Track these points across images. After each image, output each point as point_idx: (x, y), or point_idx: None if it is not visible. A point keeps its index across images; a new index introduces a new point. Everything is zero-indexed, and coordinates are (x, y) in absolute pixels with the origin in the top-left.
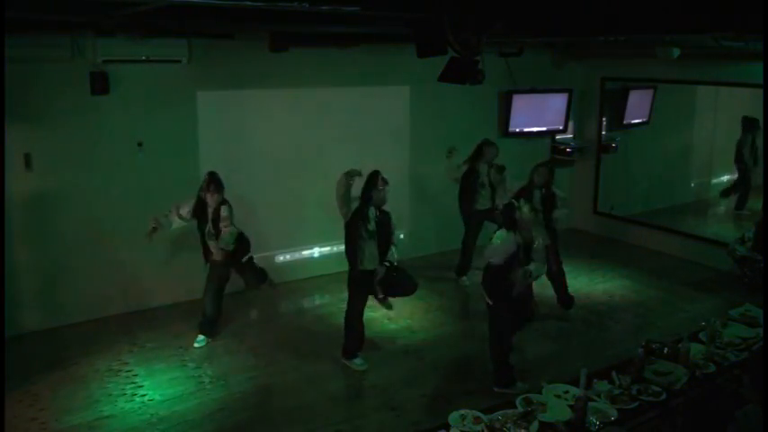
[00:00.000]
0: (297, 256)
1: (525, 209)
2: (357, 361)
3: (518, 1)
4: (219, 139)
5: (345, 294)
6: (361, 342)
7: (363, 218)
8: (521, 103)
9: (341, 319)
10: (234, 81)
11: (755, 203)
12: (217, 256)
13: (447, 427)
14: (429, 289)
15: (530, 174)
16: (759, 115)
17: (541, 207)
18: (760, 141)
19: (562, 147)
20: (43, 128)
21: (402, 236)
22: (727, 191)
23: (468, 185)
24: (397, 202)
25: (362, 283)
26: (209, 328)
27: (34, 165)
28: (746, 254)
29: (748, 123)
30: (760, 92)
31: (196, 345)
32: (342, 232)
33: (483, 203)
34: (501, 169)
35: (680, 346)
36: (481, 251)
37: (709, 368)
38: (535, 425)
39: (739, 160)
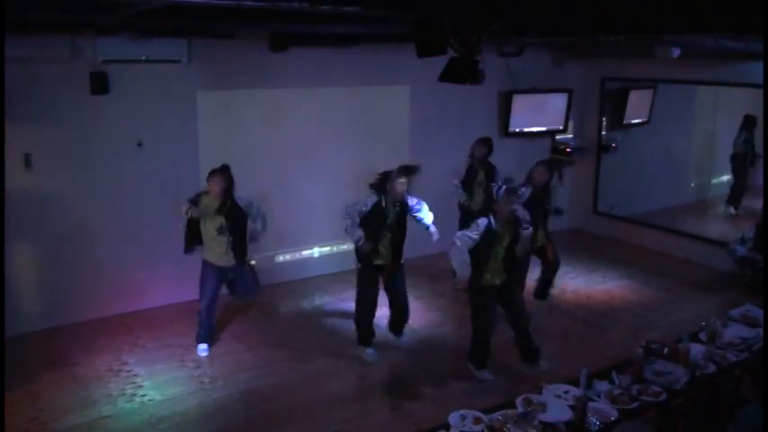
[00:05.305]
0: (297, 256)
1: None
2: (369, 351)
3: (518, 1)
4: (219, 139)
5: (345, 294)
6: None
7: (380, 213)
8: (521, 103)
9: (340, 319)
10: (234, 81)
11: (755, 203)
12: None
13: (447, 427)
14: (429, 289)
15: (529, 172)
16: (759, 115)
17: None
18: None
19: (562, 147)
20: (43, 128)
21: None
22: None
23: (467, 184)
24: None
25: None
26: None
27: (34, 165)
28: (746, 254)
29: (747, 121)
30: (760, 92)
31: (202, 354)
32: (342, 231)
33: (478, 203)
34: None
35: (680, 346)
36: None
37: (709, 368)
38: (535, 425)
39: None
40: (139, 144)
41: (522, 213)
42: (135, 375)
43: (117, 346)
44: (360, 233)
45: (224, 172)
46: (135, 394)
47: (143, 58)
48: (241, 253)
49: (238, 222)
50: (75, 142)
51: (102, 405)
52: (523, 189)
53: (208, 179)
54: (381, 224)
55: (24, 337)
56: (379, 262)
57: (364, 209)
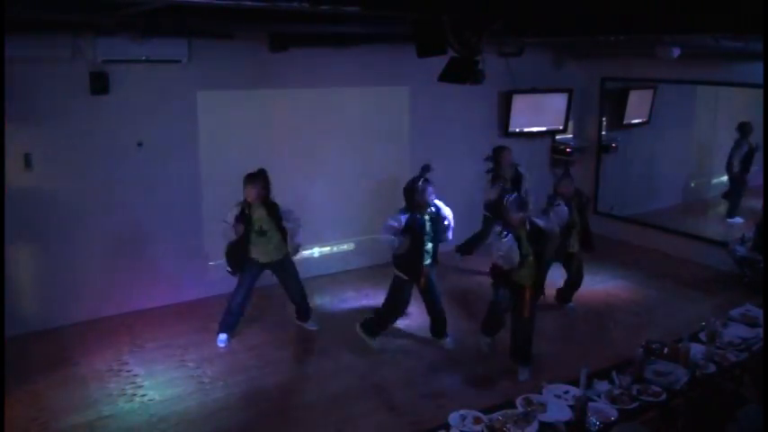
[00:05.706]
0: (297, 255)
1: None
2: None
3: (518, 1)
4: (219, 139)
5: (345, 294)
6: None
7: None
8: (521, 103)
9: (341, 320)
10: (234, 81)
11: (755, 203)
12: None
13: (447, 427)
14: None
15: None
16: (759, 116)
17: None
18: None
19: (562, 147)
20: (43, 128)
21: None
22: (727, 194)
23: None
24: (396, 202)
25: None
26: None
27: (34, 165)
28: (746, 254)
29: (743, 129)
30: (759, 92)
31: (221, 344)
32: (343, 231)
33: None
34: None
35: (680, 346)
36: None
37: (709, 368)
38: (535, 425)
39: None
40: (139, 144)
41: (547, 221)
42: (135, 375)
43: (117, 346)
44: (398, 239)
45: (258, 178)
46: (135, 394)
47: (143, 58)
48: (283, 248)
49: (276, 220)
50: (75, 142)
51: (103, 405)
52: (562, 206)
53: (244, 185)
54: (421, 234)
55: (24, 337)
56: (427, 262)
57: (399, 225)
